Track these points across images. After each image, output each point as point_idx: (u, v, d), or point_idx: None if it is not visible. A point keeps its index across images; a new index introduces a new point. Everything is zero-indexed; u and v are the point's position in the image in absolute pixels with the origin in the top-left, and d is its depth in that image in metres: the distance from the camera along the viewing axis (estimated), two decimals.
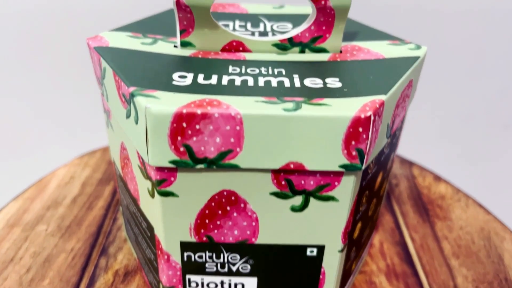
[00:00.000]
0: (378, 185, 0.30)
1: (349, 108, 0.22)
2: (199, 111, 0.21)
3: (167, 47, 0.28)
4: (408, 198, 0.45)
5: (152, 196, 0.25)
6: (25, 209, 0.41)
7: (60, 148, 0.69)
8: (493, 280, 0.36)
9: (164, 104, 0.21)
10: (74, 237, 0.38)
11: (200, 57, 0.27)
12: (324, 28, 0.28)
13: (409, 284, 0.35)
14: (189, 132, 0.22)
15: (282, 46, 0.29)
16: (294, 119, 0.22)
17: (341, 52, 0.29)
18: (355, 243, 0.30)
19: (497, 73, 0.68)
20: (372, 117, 0.22)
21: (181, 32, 0.27)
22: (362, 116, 0.22)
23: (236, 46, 0.28)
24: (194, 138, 0.22)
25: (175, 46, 0.28)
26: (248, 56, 0.28)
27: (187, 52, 0.28)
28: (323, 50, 0.29)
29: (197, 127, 0.22)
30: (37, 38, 0.61)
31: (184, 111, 0.21)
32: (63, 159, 0.70)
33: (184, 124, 0.22)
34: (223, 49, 0.28)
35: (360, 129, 0.22)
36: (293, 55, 0.28)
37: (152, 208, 0.26)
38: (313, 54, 0.28)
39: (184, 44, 0.28)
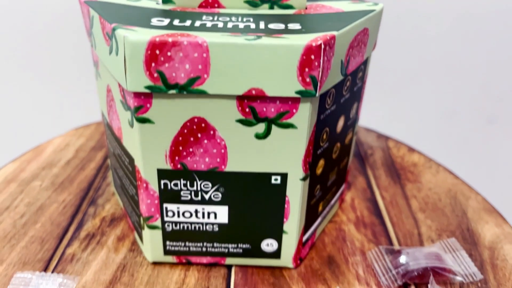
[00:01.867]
0: (340, 130, 0.33)
1: (303, 39, 0.25)
2: (170, 39, 0.25)
3: (149, 3, 0.32)
4: (381, 165, 0.48)
5: (132, 125, 0.28)
6: (22, 169, 0.44)
7: (57, 122, 0.72)
8: (455, 230, 0.39)
9: (140, 34, 0.25)
10: (66, 191, 0.41)
11: (179, 10, 0.30)
12: None
13: (376, 232, 0.38)
14: (162, 58, 0.25)
15: (253, 3, 0.32)
16: (254, 47, 0.25)
17: (306, 8, 0.32)
18: (318, 181, 0.32)
19: (480, 69, 0.71)
20: (323, 46, 0.25)
21: None
22: (314, 44, 0.25)
23: (212, 3, 0.32)
24: (166, 65, 0.25)
25: (157, 4, 0.32)
26: (222, 10, 0.31)
27: (167, 7, 0.31)
28: (290, 7, 0.32)
29: (169, 54, 0.25)
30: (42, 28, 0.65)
31: (157, 39, 0.25)
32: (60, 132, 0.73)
33: (157, 51, 0.25)
34: (200, 6, 0.32)
35: (312, 57, 0.25)
36: (263, 10, 0.31)
37: (132, 139, 0.29)
38: (281, 10, 0.32)
39: (165, 1, 0.31)
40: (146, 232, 0.32)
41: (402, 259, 0.33)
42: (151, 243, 0.32)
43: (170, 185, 0.30)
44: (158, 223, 0.31)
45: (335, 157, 0.34)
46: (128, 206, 0.35)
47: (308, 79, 0.26)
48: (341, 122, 0.33)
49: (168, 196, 0.30)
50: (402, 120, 0.76)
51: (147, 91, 0.26)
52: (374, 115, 0.75)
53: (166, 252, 0.33)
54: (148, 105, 0.27)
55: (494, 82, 0.73)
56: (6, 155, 0.74)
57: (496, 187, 0.82)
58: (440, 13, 0.67)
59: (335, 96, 0.30)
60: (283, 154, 0.29)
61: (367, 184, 0.44)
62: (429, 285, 0.31)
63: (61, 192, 0.41)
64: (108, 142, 0.37)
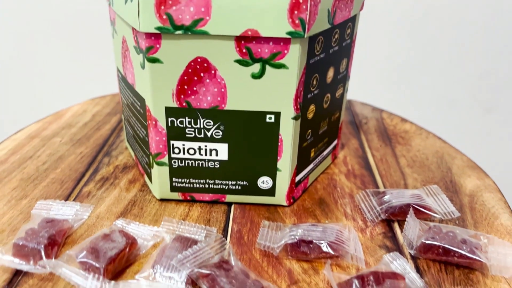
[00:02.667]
0: (330, 80, 0.37)
1: None
2: None
3: None
4: (374, 131, 0.51)
5: (143, 67, 0.32)
6: (44, 128, 0.48)
7: (76, 93, 0.77)
8: (439, 182, 0.42)
9: None
10: (84, 146, 0.45)
11: None
12: None
13: (365, 182, 0.41)
14: (170, 2, 0.29)
15: None
16: None
17: None
18: (310, 126, 0.36)
19: (479, 58, 0.75)
20: None
21: None
22: None
23: None
24: (174, 8, 0.29)
25: None
26: None
27: None
28: None
29: None
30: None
31: None
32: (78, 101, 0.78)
33: None
34: None
35: (301, 0, 0.29)
36: None
37: (144, 80, 0.33)
38: None
39: None
40: (154, 170, 0.36)
41: (386, 197, 0.37)
42: (159, 180, 0.36)
43: (176, 122, 0.34)
44: (165, 159, 0.35)
45: (326, 107, 0.38)
46: (139, 152, 0.39)
47: (297, 21, 0.30)
48: (330, 73, 0.37)
49: (175, 133, 0.34)
50: (402, 107, 0.79)
51: (156, 31, 0.30)
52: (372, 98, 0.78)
53: (173, 188, 0.37)
54: (158, 46, 0.31)
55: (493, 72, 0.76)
56: (31, 118, 0.79)
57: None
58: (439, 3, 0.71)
59: (324, 45, 0.34)
60: (276, 93, 0.32)
61: (359, 145, 0.48)
62: (407, 217, 0.34)
63: (79, 146, 0.45)
64: (122, 97, 0.42)
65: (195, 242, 0.31)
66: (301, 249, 0.31)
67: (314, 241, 0.31)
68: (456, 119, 0.80)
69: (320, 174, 0.42)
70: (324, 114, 0.38)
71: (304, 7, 0.29)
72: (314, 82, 0.34)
